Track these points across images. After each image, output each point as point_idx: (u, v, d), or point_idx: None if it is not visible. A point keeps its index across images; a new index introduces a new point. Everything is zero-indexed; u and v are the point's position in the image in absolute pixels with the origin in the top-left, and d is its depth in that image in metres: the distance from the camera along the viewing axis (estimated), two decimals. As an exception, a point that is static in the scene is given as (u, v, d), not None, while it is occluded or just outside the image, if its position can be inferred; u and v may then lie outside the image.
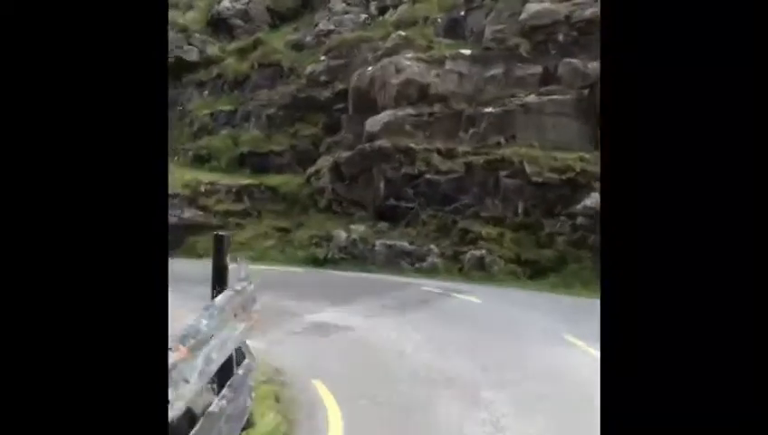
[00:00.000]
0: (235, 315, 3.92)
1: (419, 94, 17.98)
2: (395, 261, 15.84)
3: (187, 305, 4.79)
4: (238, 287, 4.35)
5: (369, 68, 19.26)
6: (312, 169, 18.98)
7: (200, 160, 21.44)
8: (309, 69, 21.50)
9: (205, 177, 19.89)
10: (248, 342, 5.06)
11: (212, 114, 22.94)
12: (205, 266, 4.85)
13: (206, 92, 24.27)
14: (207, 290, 4.35)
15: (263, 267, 15.79)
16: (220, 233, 4.68)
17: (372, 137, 17.87)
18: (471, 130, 17.06)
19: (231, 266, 4.48)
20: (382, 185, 17.29)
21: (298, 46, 23.13)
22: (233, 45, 24.27)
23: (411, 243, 16.09)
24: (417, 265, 15.69)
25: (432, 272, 15.37)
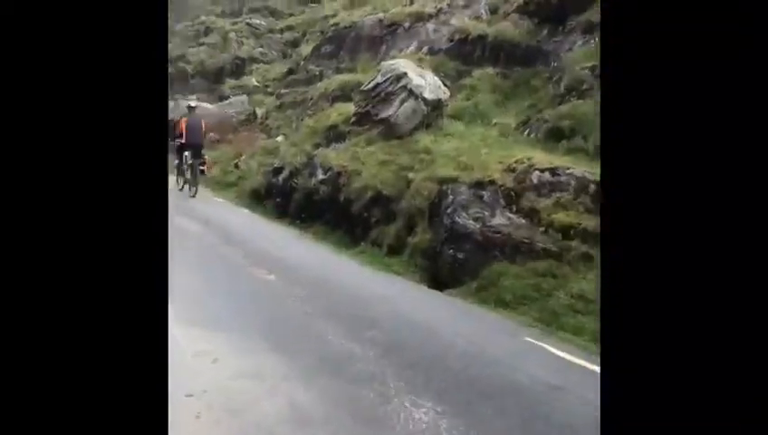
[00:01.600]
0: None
1: None
2: None
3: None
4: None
5: None
6: None
7: (557, 136, 12.95)
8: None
9: (546, 159, 11.20)
10: None
11: (592, 68, 14.23)
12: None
13: (594, 40, 15.74)
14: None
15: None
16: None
17: None
18: None
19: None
20: None
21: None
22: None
23: None
24: None
25: None
